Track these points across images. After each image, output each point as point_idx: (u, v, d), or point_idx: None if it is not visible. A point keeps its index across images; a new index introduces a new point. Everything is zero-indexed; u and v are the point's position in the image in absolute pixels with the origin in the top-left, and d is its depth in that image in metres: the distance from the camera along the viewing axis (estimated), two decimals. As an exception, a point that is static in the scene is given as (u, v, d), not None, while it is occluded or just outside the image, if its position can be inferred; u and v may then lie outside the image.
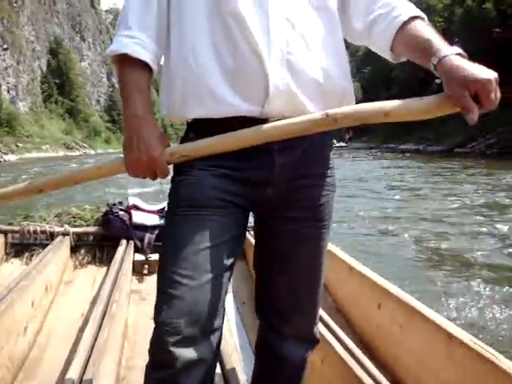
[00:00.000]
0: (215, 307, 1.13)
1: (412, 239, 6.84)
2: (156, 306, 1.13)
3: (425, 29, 1.15)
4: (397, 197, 11.66)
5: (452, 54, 1.05)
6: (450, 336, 1.64)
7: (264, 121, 1.14)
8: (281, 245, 1.29)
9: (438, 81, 1.09)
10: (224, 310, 1.19)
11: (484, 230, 7.52)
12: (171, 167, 1.21)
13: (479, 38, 38.76)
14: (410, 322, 1.90)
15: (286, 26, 1.15)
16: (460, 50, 1.06)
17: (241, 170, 1.18)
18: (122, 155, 1.19)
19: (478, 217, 8.71)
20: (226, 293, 1.18)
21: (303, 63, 1.16)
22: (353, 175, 17.52)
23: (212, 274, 1.12)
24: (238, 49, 1.13)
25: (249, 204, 1.22)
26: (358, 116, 1.10)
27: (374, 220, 8.29)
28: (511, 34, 35.61)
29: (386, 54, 1.25)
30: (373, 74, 71.82)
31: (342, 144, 60.80)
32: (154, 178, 1.19)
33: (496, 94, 1.02)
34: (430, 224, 8.02)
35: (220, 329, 1.17)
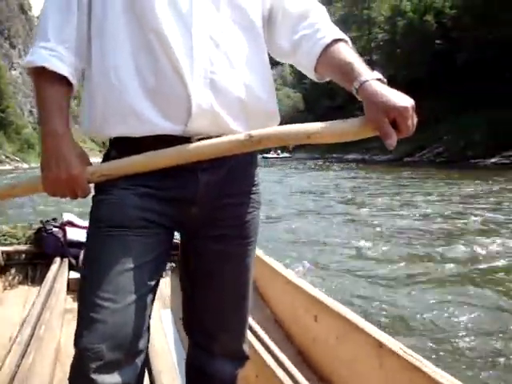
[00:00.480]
0: (140, 329, 1.13)
1: (366, 253, 6.94)
2: (76, 330, 1.11)
3: (347, 52, 1.20)
4: (353, 210, 11.53)
5: (372, 80, 1.10)
6: (380, 345, 1.71)
7: (188, 139, 1.16)
8: (205, 263, 1.30)
9: None
10: (149, 331, 1.19)
11: (436, 239, 7.78)
12: (92, 186, 1.20)
13: (422, 50, 40.29)
14: (345, 333, 1.96)
15: (210, 45, 1.17)
16: (380, 76, 1.12)
17: (164, 189, 1.19)
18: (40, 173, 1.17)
19: (433, 225, 8.97)
20: (150, 314, 1.19)
21: (227, 82, 1.18)
22: (302, 187, 17.44)
23: (135, 295, 1.11)
24: (159, 67, 1.14)
25: (173, 223, 1.23)
26: (282, 137, 1.15)
27: (328, 236, 8.27)
28: (451, 46, 37.11)
29: (310, 74, 1.30)
30: (313, 85, 73.24)
31: (286, 154, 59.73)
32: (75, 197, 1.18)
33: (413, 121, 1.08)
34: (384, 235, 8.16)
35: (145, 350, 1.17)
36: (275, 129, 1.18)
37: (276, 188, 16.87)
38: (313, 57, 1.23)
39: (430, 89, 40.51)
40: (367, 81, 1.10)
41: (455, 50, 36.80)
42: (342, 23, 60.74)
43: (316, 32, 1.24)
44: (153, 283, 1.18)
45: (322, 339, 2.16)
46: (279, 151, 57.38)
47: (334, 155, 40.18)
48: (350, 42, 1.25)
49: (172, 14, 1.15)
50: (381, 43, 51.50)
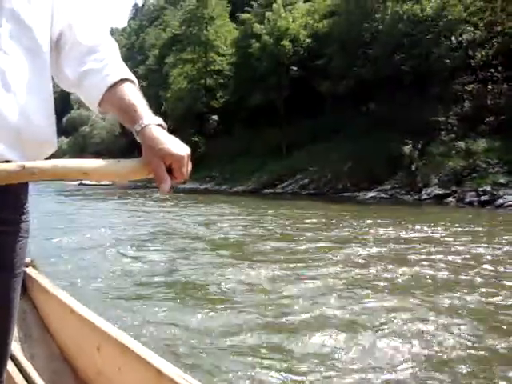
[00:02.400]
0: None
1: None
2: None
3: (132, 93, 1.27)
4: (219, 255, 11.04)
5: (153, 124, 1.20)
6: (158, 372, 1.79)
7: None
8: None
9: None
10: None
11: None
12: None
13: (278, 74, 42.14)
14: (127, 362, 1.97)
15: None
16: (161, 121, 1.22)
17: None
18: None
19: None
20: None
21: (0, 105, 1.16)
22: (141, 227, 16.18)
23: None
24: None
25: None
26: (57, 172, 1.16)
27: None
28: (305, 74, 39.29)
29: (94, 109, 1.35)
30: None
31: (107, 182, 55.69)
32: None
33: (187, 168, 1.19)
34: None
35: None
36: (52, 162, 1.18)
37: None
38: (97, 93, 1.29)
39: (286, 116, 42.32)
40: (148, 125, 1.20)
41: (315, 78, 38.86)
42: (178, 43, 60.96)
43: (103, 68, 1.30)
44: None
45: (107, 371, 2.16)
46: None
47: (172, 184, 38.75)
48: (136, 82, 1.32)
49: None
50: (222, 66, 53.17)
